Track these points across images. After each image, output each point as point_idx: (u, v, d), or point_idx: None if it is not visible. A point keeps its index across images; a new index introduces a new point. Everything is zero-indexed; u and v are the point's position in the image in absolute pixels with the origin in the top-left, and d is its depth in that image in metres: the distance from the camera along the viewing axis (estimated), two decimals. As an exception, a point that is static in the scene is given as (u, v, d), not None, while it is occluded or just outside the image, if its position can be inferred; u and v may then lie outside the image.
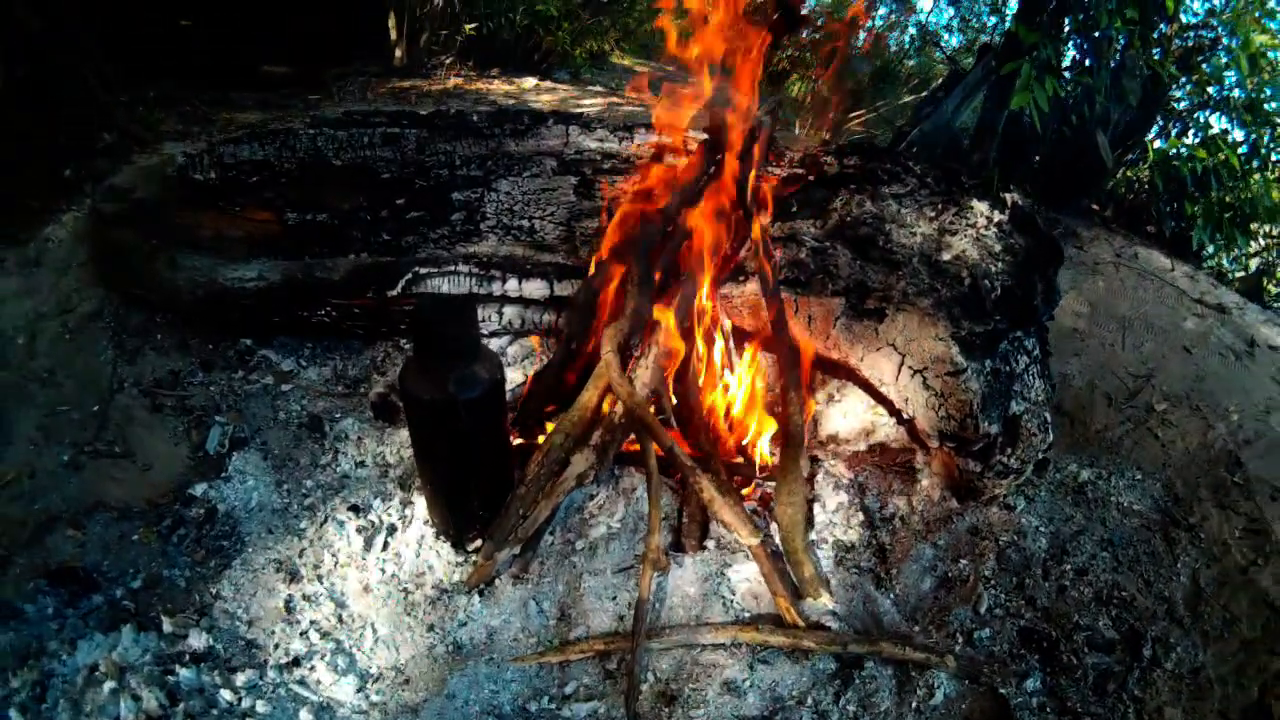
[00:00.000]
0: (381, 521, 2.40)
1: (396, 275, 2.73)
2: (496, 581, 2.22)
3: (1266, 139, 3.37)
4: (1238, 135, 3.49)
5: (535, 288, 2.71)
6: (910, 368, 2.26)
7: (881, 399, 2.53)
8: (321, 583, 2.25)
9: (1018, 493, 2.44)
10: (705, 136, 2.61)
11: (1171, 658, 2.14)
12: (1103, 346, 2.85)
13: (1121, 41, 3.26)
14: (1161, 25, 3.33)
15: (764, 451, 2.41)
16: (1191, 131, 3.65)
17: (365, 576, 2.26)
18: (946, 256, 2.27)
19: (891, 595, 2.25)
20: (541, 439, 2.46)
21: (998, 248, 2.26)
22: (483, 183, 2.83)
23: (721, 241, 2.42)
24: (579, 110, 4.16)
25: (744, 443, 2.47)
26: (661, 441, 2.02)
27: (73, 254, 2.76)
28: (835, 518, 2.40)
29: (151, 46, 4.09)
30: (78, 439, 2.42)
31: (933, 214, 2.36)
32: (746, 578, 2.20)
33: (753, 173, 2.39)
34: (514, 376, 2.74)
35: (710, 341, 2.47)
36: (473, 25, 4.80)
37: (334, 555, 2.31)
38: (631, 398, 2.10)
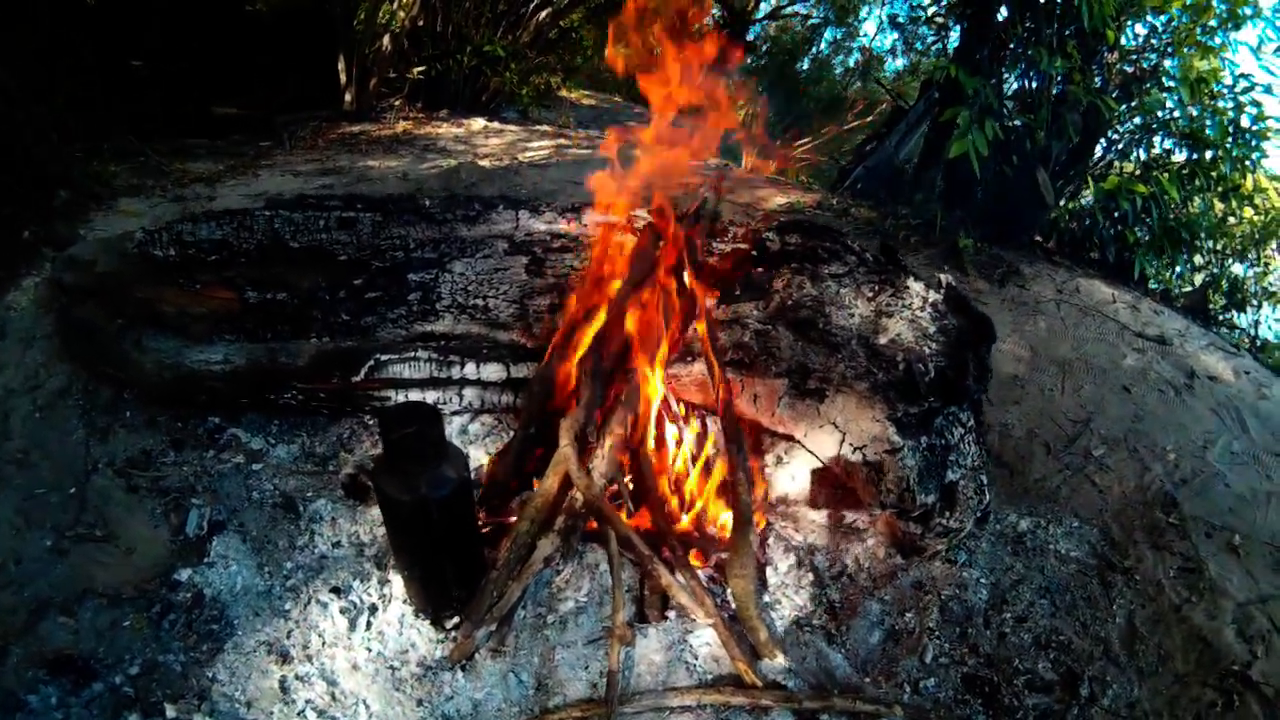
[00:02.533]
0: (363, 602, 2.83)
1: (359, 361, 3.16)
2: (476, 656, 2.66)
3: (1209, 158, 3.77)
4: (1178, 157, 3.91)
5: (492, 371, 3.14)
6: (850, 444, 2.70)
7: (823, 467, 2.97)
8: (312, 662, 2.67)
9: (959, 546, 2.89)
10: (647, 219, 3.03)
11: (1108, 694, 2.57)
12: (1042, 393, 3.29)
13: (1060, 76, 3.67)
14: (1102, 52, 3.73)
15: (719, 521, 2.85)
16: (1134, 156, 4.06)
17: (353, 655, 2.69)
18: (883, 340, 2.71)
19: (842, 650, 2.70)
20: (510, 519, 2.91)
21: (932, 329, 2.69)
22: (437, 264, 3.25)
23: (666, 330, 2.85)
24: (523, 196, 4.50)
25: (696, 513, 2.91)
26: (619, 531, 2.46)
27: (37, 324, 3.10)
28: (787, 579, 2.85)
29: (103, 91, 4.41)
30: (58, 522, 2.77)
31: (870, 294, 2.79)
32: (706, 642, 2.64)
33: (694, 260, 2.81)
34: (477, 455, 3.18)
35: (661, 422, 2.91)
36: (421, 68, 5.19)
37: (320, 636, 2.74)
38: (589, 490, 2.54)
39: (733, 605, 2.68)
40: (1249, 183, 3.99)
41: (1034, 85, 3.67)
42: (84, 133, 4.12)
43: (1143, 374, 3.38)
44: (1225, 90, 3.78)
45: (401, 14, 5.02)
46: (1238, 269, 4.52)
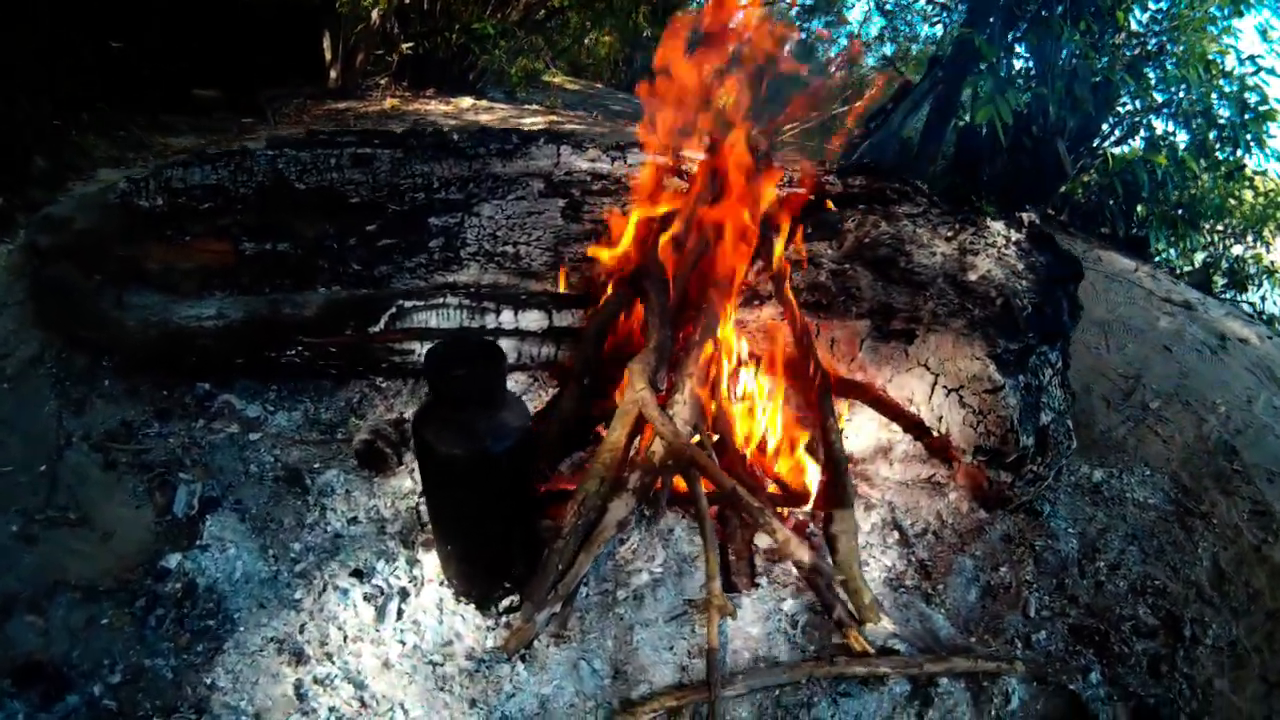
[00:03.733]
0: (390, 586, 2.22)
1: (378, 310, 2.57)
2: (535, 644, 2.09)
3: (1214, 137, 3.68)
4: (1181, 137, 3.82)
5: (533, 319, 2.61)
6: (945, 387, 2.32)
7: (900, 417, 2.57)
8: (333, 662, 2.05)
9: (1040, 499, 2.54)
10: (703, 156, 2.59)
11: (1209, 635, 2.31)
12: (1089, 350, 3.04)
13: (1070, 51, 3.50)
14: (1110, 34, 3.60)
15: (807, 479, 2.39)
16: (1140, 135, 3.96)
17: (383, 651, 2.08)
18: (972, 277, 2.35)
19: (942, 610, 2.29)
20: (561, 486, 2.36)
21: (1020, 266, 2.36)
22: (464, 206, 2.71)
23: (739, 265, 2.40)
24: (569, 129, 4.08)
25: (773, 468, 2.45)
26: (722, 484, 1.96)
27: (8, 292, 2.49)
28: (872, 538, 2.42)
29: (83, 68, 3.93)
30: (27, 505, 2.15)
31: (949, 234, 2.44)
32: (802, 610, 2.18)
33: (768, 193, 2.39)
34: None
35: (733, 369, 2.45)
36: (409, 45, 4.66)
37: (341, 629, 2.11)
38: (676, 438, 2.04)
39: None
40: (1252, 163, 3.94)
41: (1049, 60, 3.49)
42: (63, 106, 3.63)
43: (1178, 335, 3.19)
44: (1233, 72, 3.71)
45: (388, -10, 4.50)
46: (1236, 250, 4.48)
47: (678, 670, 2.04)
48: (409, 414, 2.66)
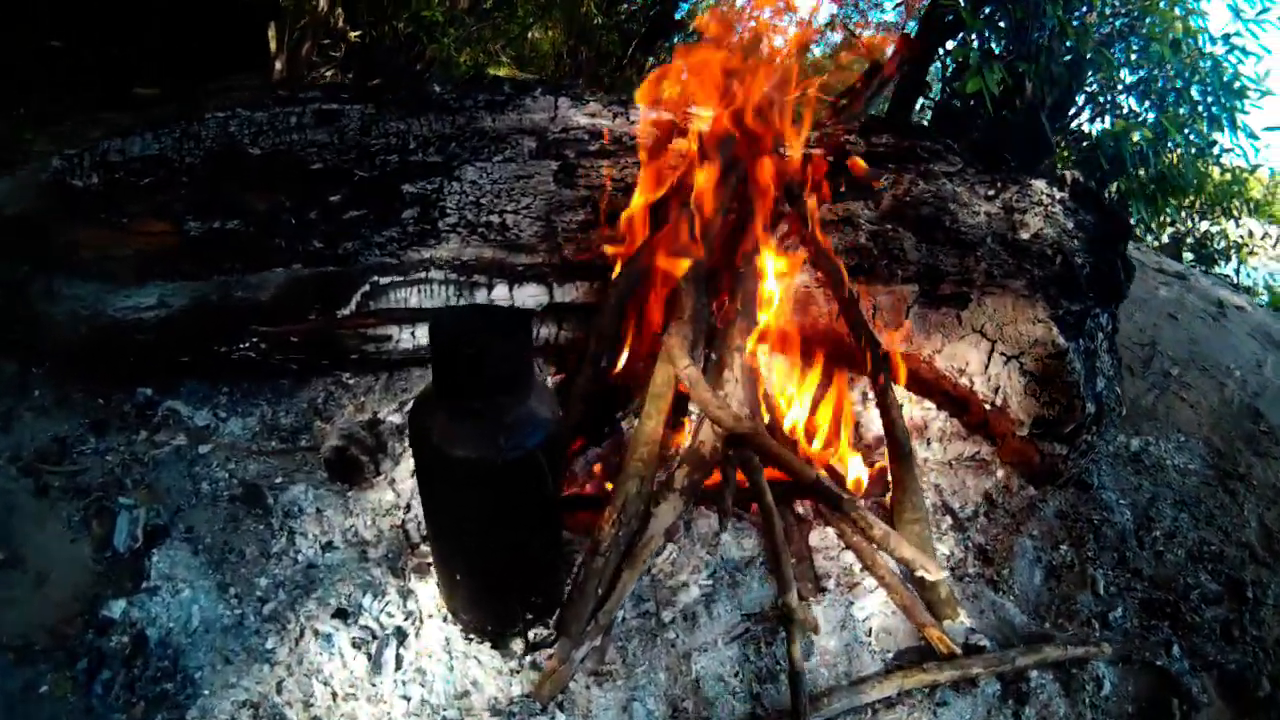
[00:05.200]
0: (383, 627, 1.66)
1: (348, 288, 2.00)
2: (571, 685, 1.58)
3: (1185, 113, 3.47)
4: (1150, 117, 3.59)
5: (530, 294, 2.08)
6: (1003, 354, 1.93)
7: (934, 392, 2.18)
8: (323, 728, 1.49)
9: (1088, 470, 2.19)
10: (714, 112, 2.13)
11: (1270, 595, 2.05)
12: None
13: (1048, 27, 3.21)
14: (1082, 12, 3.34)
15: (851, 464, 1.95)
16: (1108, 114, 3.73)
17: (384, 711, 1.53)
18: (1025, 235, 1.97)
19: (1011, 596, 1.91)
20: (580, 488, 1.85)
21: (1070, 225, 2.00)
22: (442, 170, 2.14)
23: (770, 221, 1.95)
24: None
25: (826, 453, 2.00)
26: (803, 474, 1.49)
27: None
28: (926, 525, 2.01)
29: (20, 63, 3.46)
30: None
31: (991, 193, 2.06)
32: (872, 613, 1.74)
33: (800, 146, 1.94)
34: None
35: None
36: (356, 34, 4.01)
37: (328, 685, 1.55)
38: (739, 422, 1.56)
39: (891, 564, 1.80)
40: (1224, 139, 3.78)
41: (1028, 36, 3.20)
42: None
43: (1180, 303, 2.95)
44: (1208, 52, 3.52)
45: (336, -24, 3.85)
46: (1204, 226, 4.33)
47: (749, 700, 1.57)
48: (384, 413, 2.09)
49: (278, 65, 3.94)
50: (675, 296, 1.82)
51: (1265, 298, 4.17)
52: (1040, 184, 2.07)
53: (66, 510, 1.74)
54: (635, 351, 1.95)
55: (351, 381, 2.17)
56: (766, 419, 1.83)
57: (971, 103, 3.18)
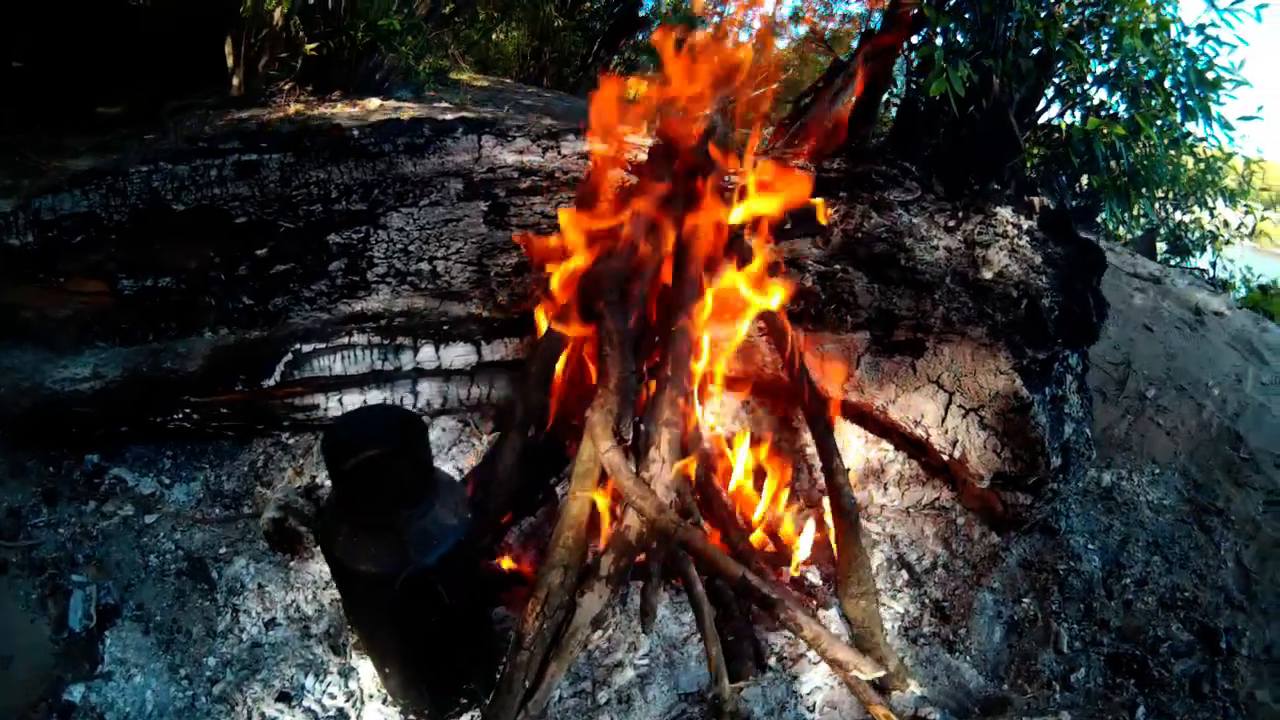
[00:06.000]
0: (325, 709, 1.57)
1: (272, 357, 1.84)
2: (505, 772, 1.46)
3: (1157, 105, 3.17)
4: (1124, 108, 3.29)
5: (458, 355, 1.91)
6: (961, 406, 1.72)
7: (891, 433, 1.99)
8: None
9: (1053, 514, 2.01)
10: (653, 143, 1.91)
11: (1244, 643, 1.87)
12: None
13: (1015, 20, 2.89)
14: (1050, 3, 3.02)
15: (797, 528, 1.78)
16: (1078, 107, 3.41)
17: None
18: (986, 275, 1.74)
19: (968, 657, 1.75)
20: (509, 563, 1.71)
21: (1038, 259, 1.76)
22: (368, 218, 1.96)
23: (708, 272, 1.74)
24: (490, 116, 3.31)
25: (766, 521, 1.82)
26: (728, 571, 1.33)
27: None
28: (880, 581, 1.84)
29: None
30: None
31: (951, 224, 1.83)
32: (817, 688, 1.60)
33: (742, 181, 1.72)
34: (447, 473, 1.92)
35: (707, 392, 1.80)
36: (313, 45, 3.76)
37: (274, 772, 1.45)
38: (661, 513, 1.39)
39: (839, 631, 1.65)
40: (1198, 129, 3.47)
41: (995, 30, 2.89)
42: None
43: (1156, 313, 2.68)
44: (1179, 42, 3.20)
45: (292, -13, 3.59)
46: (1178, 216, 4.03)
47: (684, 792, 1.45)
48: (321, 477, 1.95)
49: (235, 81, 3.72)
50: (601, 362, 1.63)
51: (1243, 291, 3.88)
52: (1006, 212, 1.84)
53: (24, 588, 1.65)
54: (569, 410, 1.78)
55: (291, 442, 2.03)
56: (704, 491, 1.66)
57: (938, 100, 2.89)
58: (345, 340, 1.82)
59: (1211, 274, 3.98)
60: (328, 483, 1.95)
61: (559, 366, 1.74)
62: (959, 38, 2.96)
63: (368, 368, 1.84)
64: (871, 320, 1.75)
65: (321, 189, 1.95)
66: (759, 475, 1.85)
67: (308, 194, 1.95)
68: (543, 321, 1.76)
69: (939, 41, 2.88)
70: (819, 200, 1.83)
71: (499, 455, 1.77)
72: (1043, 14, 2.97)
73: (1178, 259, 3.97)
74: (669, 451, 1.53)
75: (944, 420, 1.74)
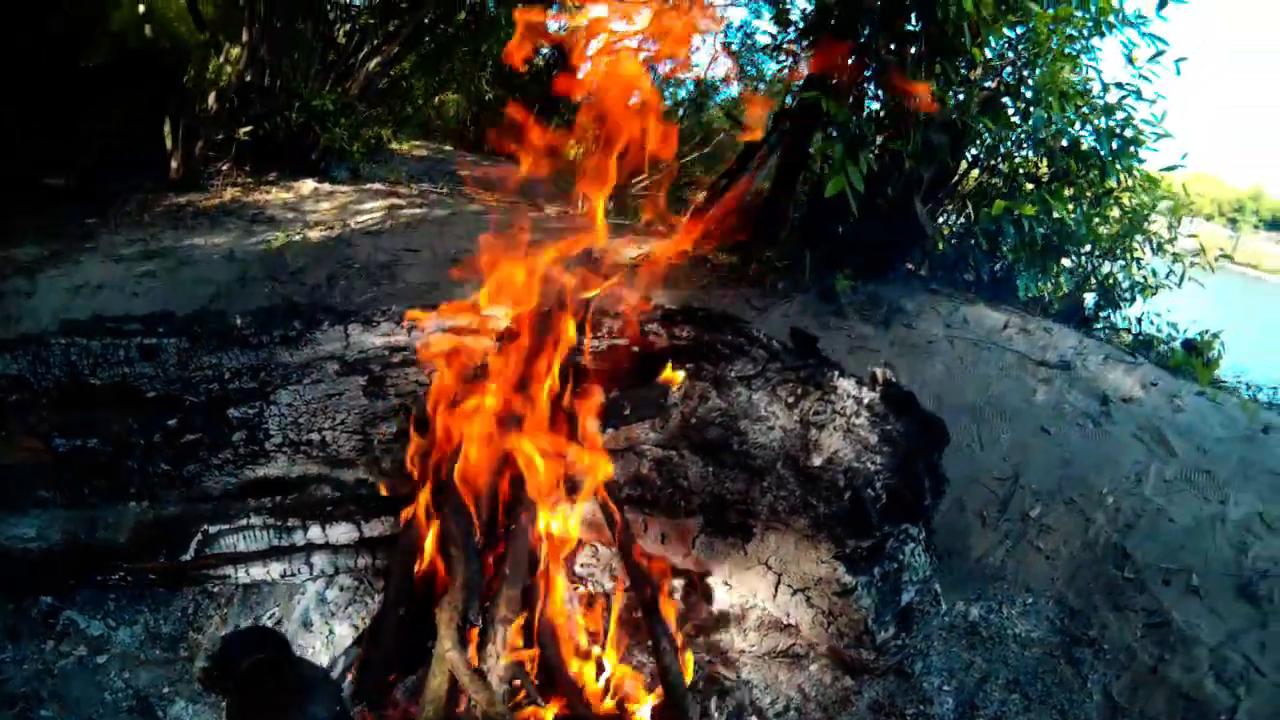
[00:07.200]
0: None
1: (186, 534, 1.96)
2: None
3: (1077, 166, 2.87)
4: (1044, 169, 2.99)
5: (341, 533, 1.99)
6: (790, 586, 1.69)
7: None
8: None
9: (907, 657, 1.95)
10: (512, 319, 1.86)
11: None
12: (959, 450, 2.32)
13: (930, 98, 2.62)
14: (964, 69, 2.72)
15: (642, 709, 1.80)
16: (999, 169, 3.11)
17: None
18: (816, 461, 1.67)
19: (810, 812, 1.77)
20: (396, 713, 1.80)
21: (873, 439, 1.67)
22: (260, 395, 2.04)
23: (551, 467, 1.73)
24: (353, 305, 3.22)
25: (617, 687, 1.84)
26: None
27: None
28: (732, 729, 1.86)
29: None
30: None
31: (791, 400, 1.74)
32: None
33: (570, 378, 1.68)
34: (342, 631, 2.03)
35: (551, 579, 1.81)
36: (248, 129, 3.75)
37: None
38: (493, 706, 1.46)
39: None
40: (1124, 183, 3.13)
41: (902, 108, 2.63)
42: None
43: (1058, 409, 2.48)
44: (1098, 100, 2.87)
45: (229, 69, 3.56)
46: (1107, 267, 3.70)
47: None
48: (244, 624, 2.08)
49: (174, 164, 3.74)
50: (447, 560, 1.67)
51: (1175, 344, 3.50)
52: (848, 385, 1.74)
53: (-2, 723, 1.85)
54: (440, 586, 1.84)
55: (216, 590, 2.16)
56: (537, 675, 1.70)
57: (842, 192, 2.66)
58: (244, 522, 1.92)
59: (1138, 330, 3.63)
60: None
61: (427, 546, 1.80)
62: (860, 126, 2.68)
63: (266, 545, 1.94)
64: (704, 505, 1.72)
65: (216, 371, 2.02)
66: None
67: (204, 375, 2.03)
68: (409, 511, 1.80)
69: (839, 136, 2.64)
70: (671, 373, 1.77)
71: (382, 623, 1.85)
72: (957, 86, 2.71)
73: (1109, 310, 3.63)
74: (502, 646, 1.59)
75: (775, 596, 1.71)
